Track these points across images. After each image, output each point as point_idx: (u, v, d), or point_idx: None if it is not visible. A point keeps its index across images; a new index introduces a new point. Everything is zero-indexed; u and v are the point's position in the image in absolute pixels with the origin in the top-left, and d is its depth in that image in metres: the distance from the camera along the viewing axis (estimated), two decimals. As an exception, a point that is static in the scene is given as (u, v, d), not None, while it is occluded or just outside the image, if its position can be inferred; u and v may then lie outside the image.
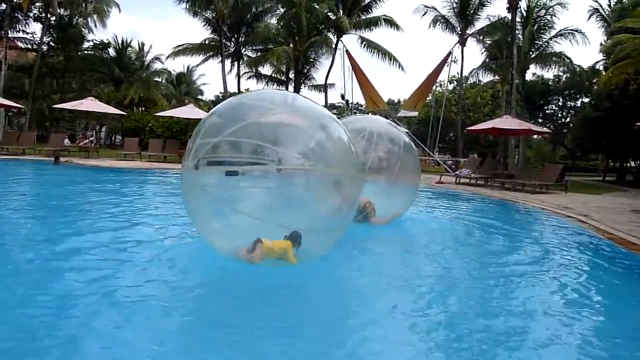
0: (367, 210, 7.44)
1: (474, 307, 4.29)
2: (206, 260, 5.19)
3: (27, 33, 33.21)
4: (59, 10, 30.95)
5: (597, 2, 29.63)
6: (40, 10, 31.26)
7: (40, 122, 38.37)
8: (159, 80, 47.37)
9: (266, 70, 35.17)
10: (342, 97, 30.74)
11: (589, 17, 30.03)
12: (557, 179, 16.40)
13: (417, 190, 8.50)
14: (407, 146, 7.94)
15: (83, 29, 35.57)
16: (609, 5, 29.26)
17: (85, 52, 37.35)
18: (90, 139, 33.10)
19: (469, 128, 22.06)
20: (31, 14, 31.54)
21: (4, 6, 27.80)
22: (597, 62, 32.79)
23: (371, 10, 31.79)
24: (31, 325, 3.34)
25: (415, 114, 33.02)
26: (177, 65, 55.24)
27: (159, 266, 4.87)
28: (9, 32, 29.13)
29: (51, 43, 35.06)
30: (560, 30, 29.65)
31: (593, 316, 4.30)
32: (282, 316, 3.84)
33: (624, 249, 6.76)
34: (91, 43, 37.42)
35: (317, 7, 29.45)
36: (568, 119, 45.24)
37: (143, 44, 44.79)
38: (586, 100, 39.95)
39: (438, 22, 32.62)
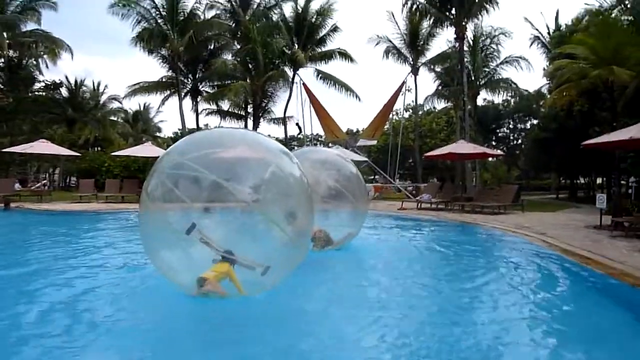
0: (320, 238, 7.64)
1: (430, 327, 4.31)
2: (162, 298, 5.18)
3: (-26, 76, 32.19)
4: (8, 52, 30.15)
5: (537, 30, 31.42)
6: (-12, 53, 30.42)
7: (-11, 167, 36.75)
8: (115, 119, 46.55)
9: (225, 105, 35.16)
10: (297, 124, 31.10)
11: (531, 44, 31.78)
12: (514, 199, 16.93)
13: (365, 215, 8.66)
14: (354, 176, 8.19)
15: (33, 70, 34.72)
16: (549, 33, 31.04)
17: (36, 93, 36.36)
18: (43, 182, 31.94)
19: (427, 154, 22.56)
20: (-22, 57, 30.64)
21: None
22: (542, 86, 34.55)
23: (325, 43, 32.53)
24: None
25: (374, 142, 33.65)
26: (133, 103, 54.55)
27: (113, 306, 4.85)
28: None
29: (0, 86, 33.99)
30: (505, 58, 31.26)
31: (554, 323, 4.42)
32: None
33: (579, 263, 6.99)
34: (42, 84, 36.52)
35: (272, 42, 29.90)
36: (520, 141, 47.11)
37: (98, 84, 44.13)
38: (535, 122, 41.81)
39: (390, 53, 33.64)
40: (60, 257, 8.10)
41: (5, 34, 28.08)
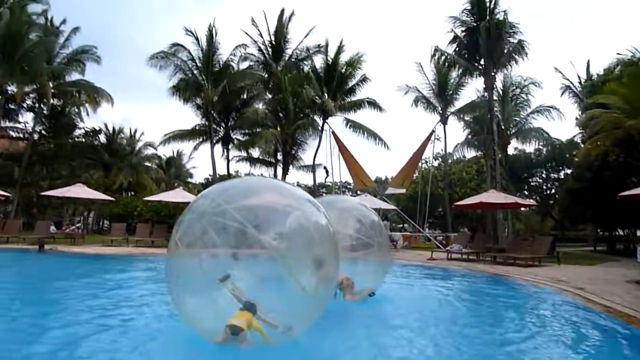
0: (349, 285, 7.55)
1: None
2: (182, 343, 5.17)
3: (19, 122, 33.92)
4: (52, 100, 31.80)
5: (568, 79, 31.30)
6: (34, 100, 32.11)
7: (28, 209, 38.04)
8: (149, 164, 47.88)
9: (255, 152, 35.81)
10: (325, 168, 31.21)
11: (562, 93, 31.61)
12: (548, 250, 16.33)
13: (388, 266, 8.57)
14: (377, 225, 8.13)
15: (74, 117, 36.39)
16: (580, 83, 30.87)
17: (76, 139, 37.96)
18: (78, 225, 32.74)
19: (457, 203, 22.24)
20: (24, 104, 32.35)
21: (-2, 98, 28.50)
22: (575, 135, 34.05)
23: (355, 93, 33.09)
24: None
25: (403, 190, 33.42)
26: (167, 150, 56.15)
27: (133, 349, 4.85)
28: (1, 121, 29.67)
29: (43, 132, 35.68)
30: (536, 107, 31.07)
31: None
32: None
33: (622, 321, 6.59)
34: (82, 130, 38.17)
35: (303, 91, 30.62)
36: (553, 190, 45.97)
37: (135, 131, 45.72)
38: (569, 171, 40.90)
39: (419, 102, 33.95)
40: (85, 298, 8.18)
41: (51, 83, 29.69)
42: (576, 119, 31.95)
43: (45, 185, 33.41)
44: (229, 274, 4.67)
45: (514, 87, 31.33)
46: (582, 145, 30.96)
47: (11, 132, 34.69)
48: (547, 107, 30.70)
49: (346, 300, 7.44)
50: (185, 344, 5.20)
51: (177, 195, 24.13)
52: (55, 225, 27.08)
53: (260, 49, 32.82)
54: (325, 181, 30.43)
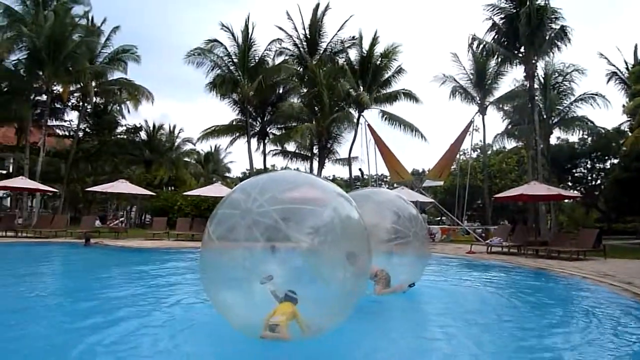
0: (383, 277, 7.45)
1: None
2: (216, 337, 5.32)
3: (65, 121, 35.34)
4: (95, 99, 32.90)
5: (614, 66, 29.95)
6: (78, 99, 33.33)
7: (74, 204, 39.63)
8: (188, 160, 48.92)
9: (291, 146, 36.03)
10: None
11: (608, 80, 30.24)
12: (594, 244, 15.68)
13: (426, 260, 8.47)
14: (415, 218, 7.95)
15: (117, 115, 37.57)
16: (627, 69, 29.49)
17: (118, 136, 39.21)
18: (121, 219, 33.83)
19: (497, 196, 21.70)
20: (69, 104, 33.63)
21: (44, 97, 29.69)
22: (622, 123, 32.62)
23: (390, 84, 32.74)
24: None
25: (441, 183, 32.88)
26: (205, 145, 57.16)
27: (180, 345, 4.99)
28: (48, 120, 30.92)
29: (87, 129, 37.05)
30: (580, 95, 29.89)
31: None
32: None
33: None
34: (124, 128, 39.38)
35: (338, 85, 30.52)
36: (599, 181, 44.25)
37: (174, 127, 46.77)
38: (615, 161, 39.26)
39: (457, 92, 33.28)
40: (128, 290, 8.46)
41: (93, 82, 30.70)
42: (623, 106, 30.59)
43: (90, 181, 34.71)
44: (271, 275, 4.71)
45: (556, 75, 30.20)
46: (630, 134, 29.68)
47: (57, 131, 36.21)
48: (592, 94, 29.50)
49: (376, 294, 7.30)
50: (217, 334, 5.34)
51: (215, 189, 24.53)
52: (100, 219, 28.04)
53: (295, 43, 32.90)
54: (366, 177, 30.14)
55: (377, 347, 5.34)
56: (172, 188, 43.08)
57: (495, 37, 25.44)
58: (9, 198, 37.83)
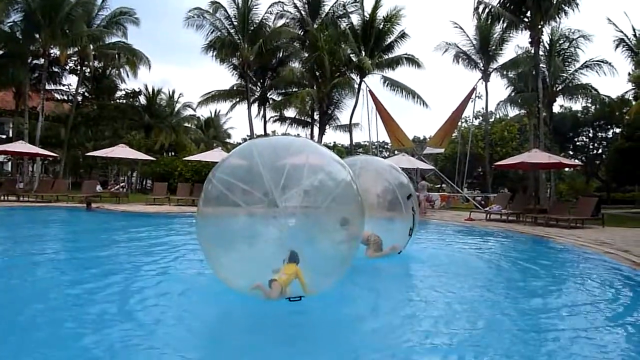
0: (376, 242, 7.77)
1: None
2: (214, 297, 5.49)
3: (64, 85, 34.94)
4: (93, 63, 32.44)
5: (622, 32, 29.34)
6: (76, 63, 32.87)
7: (75, 169, 39.67)
8: (189, 125, 48.67)
9: (291, 112, 35.76)
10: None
11: (616, 47, 29.67)
12: (593, 212, 15.75)
13: (416, 227, 8.54)
14: (405, 186, 8.18)
15: (115, 79, 37.14)
16: (635, 35, 28.92)
17: (118, 101, 38.88)
18: (122, 184, 33.91)
19: (497, 163, 21.65)
20: (67, 67, 33.17)
21: (42, 60, 29.28)
22: (627, 91, 32.20)
23: (393, 49, 32.22)
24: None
25: (442, 150, 32.79)
26: (205, 111, 56.76)
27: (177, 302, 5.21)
28: (46, 84, 30.57)
29: (86, 94, 36.70)
30: (585, 62, 29.38)
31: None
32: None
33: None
34: (123, 92, 39.01)
35: (339, 49, 30.03)
36: (600, 150, 44.14)
37: (173, 92, 46.34)
38: (618, 130, 39.03)
39: (460, 59, 32.78)
40: (129, 253, 8.57)
41: (91, 46, 30.21)
42: (629, 74, 30.17)
43: (90, 146, 34.62)
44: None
45: (562, 41, 29.62)
46: (635, 102, 29.37)
47: (56, 95, 35.86)
48: (598, 61, 28.97)
49: (367, 257, 7.62)
50: (214, 295, 5.48)
51: (215, 155, 24.46)
52: (101, 184, 28.14)
53: (296, 6, 32.27)
54: (367, 143, 29.98)
55: (370, 308, 5.46)
56: (173, 153, 43.04)
57: (502, 1, 24.82)
58: (9, 163, 37.85)
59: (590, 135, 44.26)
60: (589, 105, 38.01)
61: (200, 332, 4.55)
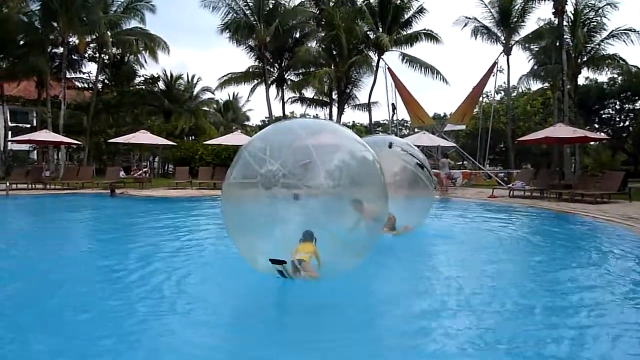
0: (390, 219, 7.72)
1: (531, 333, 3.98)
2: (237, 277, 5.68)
3: (84, 73, 35.32)
4: (112, 50, 32.64)
5: (650, -2, 28.19)
6: (95, 50, 33.13)
7: (98, 156, 40.31)
8: (207, 109, 48.83)
9: (309, 93, 35.56)
10: (393, 105, 30.07)
11: (643, 15, 28.57)
12: (619, 187, 15.37)
13: (430, 204, 8.93)
14: (420, 165, 8.28)
15: (134, 65, 37.36)
16: (664, 1, 27.76)
17: (137, 87, 39.18)
18: (144, 169, 34.36)
19: (520, 139, 21.24)
20: (86, 55, 33.48)
21: (61, 49, 29.60)
22: (656, 60, 31.07)
23: (411, 25, 31.62)
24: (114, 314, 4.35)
25: (463, 127, 32.27)
26: (224, 94, 56.91)
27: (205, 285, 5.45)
28: (67, 73, 30.93)
29: (105, 81, 37.06)
30: (612, 31, 28.31)
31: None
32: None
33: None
34: (142, 78, 39.25)
35: (356, 27, 29.59)
36: (627, 123, 42.88)
37: (192, 76, 46.42)
38: (646, 101, 37.82)
39: (479, 33, 31.98)
40: (157, 236, 8.72)
41: (109, 33, 30.36)
42: (658, 42, 29.04)
43: (112, 133, 35.08)
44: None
45: (587, 10, 28.58)
46: (664, 72, 28.35)
47: (77, 83, 36.29)
48: (625, 30, 27.90)
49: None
50: (237, 275, 5.67)
51: (235, 138, 24.56)
52: (124, 170, 28.54)
53: (311, -17, 31.78)
54: (392, 118, 29.48)
55: (390, 284, 5.48)
56: (193, 138, 43.33)
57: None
58: (35, 151, 38.64)
59: (617, 107, 42.95)
60: (616, 76, 36.84)
61: (226, 309, 4.76)
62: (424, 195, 8.52)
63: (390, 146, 7.60)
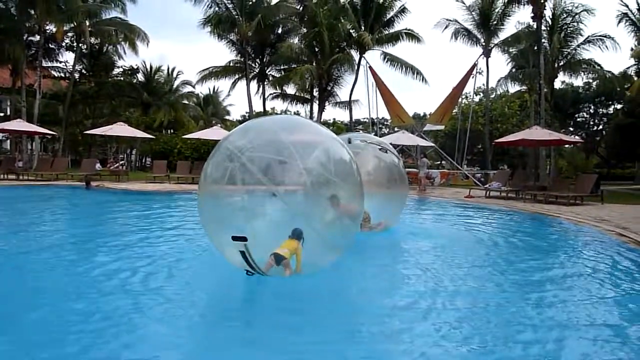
0: (365, 218, 7.85)
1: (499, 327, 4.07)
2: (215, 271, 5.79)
3: (60, 62, 34.54)
4: (90, 40, 32.01)
5: (626, 6, 28.89)
6: (72, 40, 32.44)
7: (73, 147, 39.56)
8: (187, 102, 48.33)
9: (290, 89, 35.49)
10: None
11: (619, 22, 29.24)
12: (592, 189, 15.81)
13: (402, 203, 9.00)
14: (393, 165, 8.55)
15: (113, 56, 36.73)
16: (638, 10, 28.50)
17: (116, 78, 38.53)
18: (121, 162, 33.86)
19: (498, 140, 21.59)
20: (63, 44, 32.76)
21: (38, 37, 28.91)
22: (629, 67, 31.93)
23: (393, 25, 31.79)
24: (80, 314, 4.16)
25: (442, 127, 32.65)
26: (204, 88, 56.36)
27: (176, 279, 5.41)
28: (43, 61, 30.23)
29: (83, 71, 36.35)
30: (588, 37, 28.99)
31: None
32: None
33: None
34: (121, 69, 38.63)
35: (339, 25, 29.62)
36: (601, 127, 43.99)
37: (172, 69, 45.86)
38: (619, 106, 38.80)
39: (460, 34, 32.36)
40: (130, 231, 8.60)
41: (87, 22, 29.77)
42: (631, 49, 29.84)
43: (88, 124, 34.48)
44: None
45: (565, 16, 29.19)
46: (637, 79, 29.13)
47: (53, 72, 35.49)
48: (600, 36, 28.61)
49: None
50: (215, 270, 5.74)
51: (214, 133, 24.37)
52: (101, 162, 28.09)
53: (294, -20, 31.68)
54: (367, 120, 29.74)
55: (363, 279, 5.58)
56: (172, 131, 42.85)
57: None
58: (8, 141, 37.72)
59: (591, 111, 44.03)
60: (591, 81, 37.74)
61: (203, 301, 4.84)
62: (398, 192, 8.68)
63: (349, 142, 7.71)
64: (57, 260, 6.31)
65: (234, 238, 4.53)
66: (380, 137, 28.41)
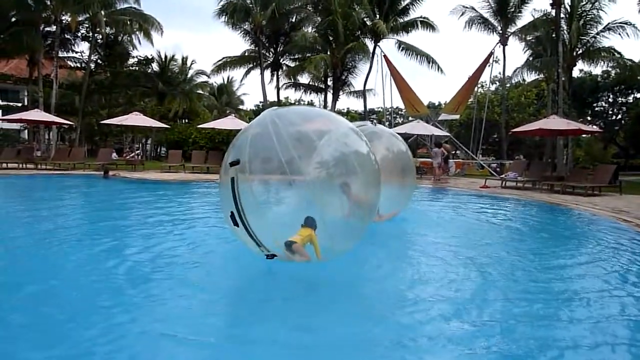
0: None
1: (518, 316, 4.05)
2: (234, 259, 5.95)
3: (76, 52, 34.82)
4: (105, 29, 32.19)
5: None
6: (88, 29, 32.65)
7: (90, 137, 39.98)
8: (202, 92, 48.48)
9: (304, 78, 35.39)
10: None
11: (640, 8, 28.56)
12: (610, 179, 15.55)
13: (410, 193, 8.96)
14: (403, 154, 8.44)
15: (128, 46, 36.91)
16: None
17: (131, 68, 38.75)
18: (137, 152, 34.14)
19: (514, 130, 21.31)
20: (79, 34, 32.99)
21: (54, 27, 29.15)
22: (650, 55, 31.17)
23: (408, 13, 31.45)
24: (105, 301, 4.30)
25: (457, 116, 32.35)
26: (218, 77, 56.34)
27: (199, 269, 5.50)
28: (59, 52, 30.51)
29: (98, 61, 36.61)
30: (608, 24, 28.34)
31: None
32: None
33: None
34: (136, 59, 38.82)
35: (353, 13, 29.39)
36: (619, 116, 43.16)
37: (186, 58, 45.95)
38: (639, 95, 38.06)
39: (475, 23, 31.90)
40: (150, 220, 8.70)
41: (102, 12, 29.92)
42: (653, 36, 29.11)
43: (104, 114, 34.78)
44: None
45: (584, 2, 28.56)
46: (658, 66, 28.45)
47: (69, 62, 35.80)
48: (621, 23, 27.95)
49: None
50: (236, 259, 5.85)
51: (229, 122, 24.44)
52: (117, 152, 28.36)
53: (308, -32, 31.45)
54: (381, 110, 29.62)
55: (378, 268, 5.64)
56: (186, 121, 43.06)
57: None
58: (26, 131, 38.25)
59: (610, 100, 43.20)
60: (610, 69, 36.97)
61: (221, 289, 4.94)
62: (408, 181, 8.64)
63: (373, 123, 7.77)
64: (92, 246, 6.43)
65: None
66: (394, 126, 28.28)
